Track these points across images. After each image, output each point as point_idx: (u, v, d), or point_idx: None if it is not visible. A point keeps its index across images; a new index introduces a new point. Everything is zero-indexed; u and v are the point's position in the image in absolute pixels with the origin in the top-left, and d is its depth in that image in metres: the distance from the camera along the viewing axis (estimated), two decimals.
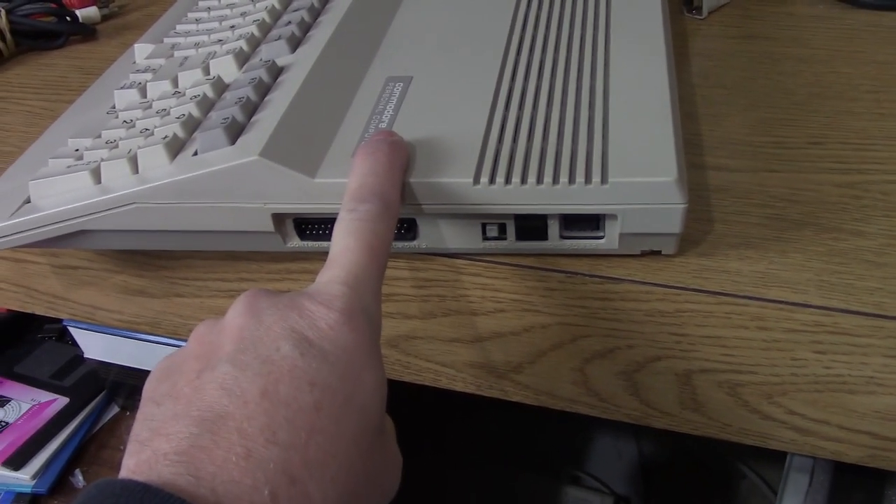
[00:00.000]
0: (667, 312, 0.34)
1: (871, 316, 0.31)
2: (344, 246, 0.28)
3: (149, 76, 0.41)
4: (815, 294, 0.32)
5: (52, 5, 0.59)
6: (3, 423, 0.76)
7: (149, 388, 0.26)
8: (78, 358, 0.76)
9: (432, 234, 0.35)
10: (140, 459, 0.23)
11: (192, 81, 0.39)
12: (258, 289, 0.28)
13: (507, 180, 0.32)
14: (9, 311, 0.79)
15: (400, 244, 0.35)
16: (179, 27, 0.46)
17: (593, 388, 0.37)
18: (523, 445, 0.81)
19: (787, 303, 0.32)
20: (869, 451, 0.34)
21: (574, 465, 0.79)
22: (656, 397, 0.36)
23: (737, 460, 0.75)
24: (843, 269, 0.33)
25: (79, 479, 0.75)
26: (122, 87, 0.41)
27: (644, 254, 0.35)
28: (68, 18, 0.60)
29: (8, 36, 0.57)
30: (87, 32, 0.60)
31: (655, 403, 0.36)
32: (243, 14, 0.45)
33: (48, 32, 0.59)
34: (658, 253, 0.34)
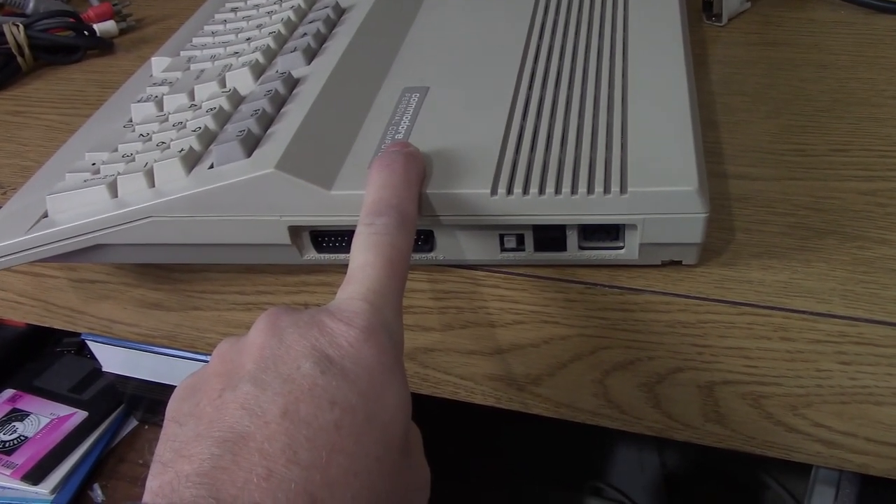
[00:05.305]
0: (688, 323, 0.33)
1: None
2: (363, 261, 0.28)
3: (165, 89, 0.41)
4: (840, 304, 0.32)
5: (70, 20, 0.59)
6: (23, 438, 0.76)
7: (172, 407, 0.26)
8: (96, 371, 0.76)
9: (450, 246, 0.34)
10: (163, 481, 0.23)
11: (209, 94, 0.39)
12: (280, 306, 0.27)
13: (525, 191, 0.31)
14: (28, 324, 0.79)
15: (417, 256, 0.35)
16: (196, 40, 0.46)
17: (614, 400, 0.36)
18: (545, 457, 0.80)
19: (810, 313, 0.32)
20: None
21: (596, 477, 0.79)
22: (678, 409, 0.35)
23: (762, 472, 0.74)
24: (867, 279, 0.32)
25: (97, 493, 0.75)
26: (138, 101, 0.41)
27: (664, 264, 0.34)
28: (86, 33, 0.60)
29: (26, 51, 0.57)
30: (104, 46, 0.61)
31: (678, 416, 0.36)
32: (259, 26, 0.45)
33: (66, 47, 0.59)
34: (679, 263, 0.34)
